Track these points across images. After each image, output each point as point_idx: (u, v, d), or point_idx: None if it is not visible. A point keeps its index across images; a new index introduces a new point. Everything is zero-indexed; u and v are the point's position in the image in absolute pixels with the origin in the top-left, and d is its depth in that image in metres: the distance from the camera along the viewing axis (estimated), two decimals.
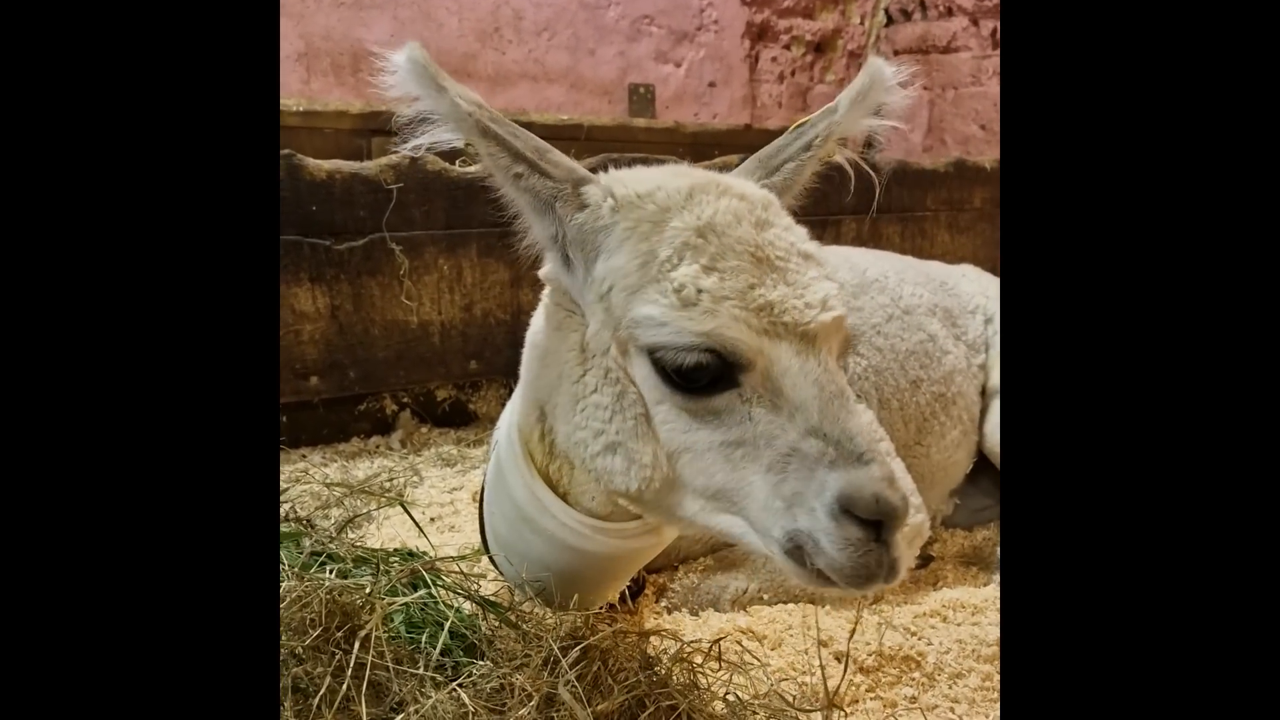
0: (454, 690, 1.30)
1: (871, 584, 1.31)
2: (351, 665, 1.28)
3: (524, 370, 1.73)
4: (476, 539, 2.23)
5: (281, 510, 1.84)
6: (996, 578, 2.57)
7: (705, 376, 1.36)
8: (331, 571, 1.54)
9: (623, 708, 1.35)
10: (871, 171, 1.82)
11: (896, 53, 7.09)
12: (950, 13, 6.91)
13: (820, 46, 7.14)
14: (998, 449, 2.92)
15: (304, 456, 3.45)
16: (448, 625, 1.44)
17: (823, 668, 1.68)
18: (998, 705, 1.75)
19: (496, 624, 1.53)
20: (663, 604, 2.19)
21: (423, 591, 1.53)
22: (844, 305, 1.44)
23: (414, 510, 2.58)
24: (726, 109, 6.60)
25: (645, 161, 1.89)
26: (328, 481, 2.86)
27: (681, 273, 1.36)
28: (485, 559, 2.01)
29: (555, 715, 1.29)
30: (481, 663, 1.40)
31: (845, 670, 1.73)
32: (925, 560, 2.76)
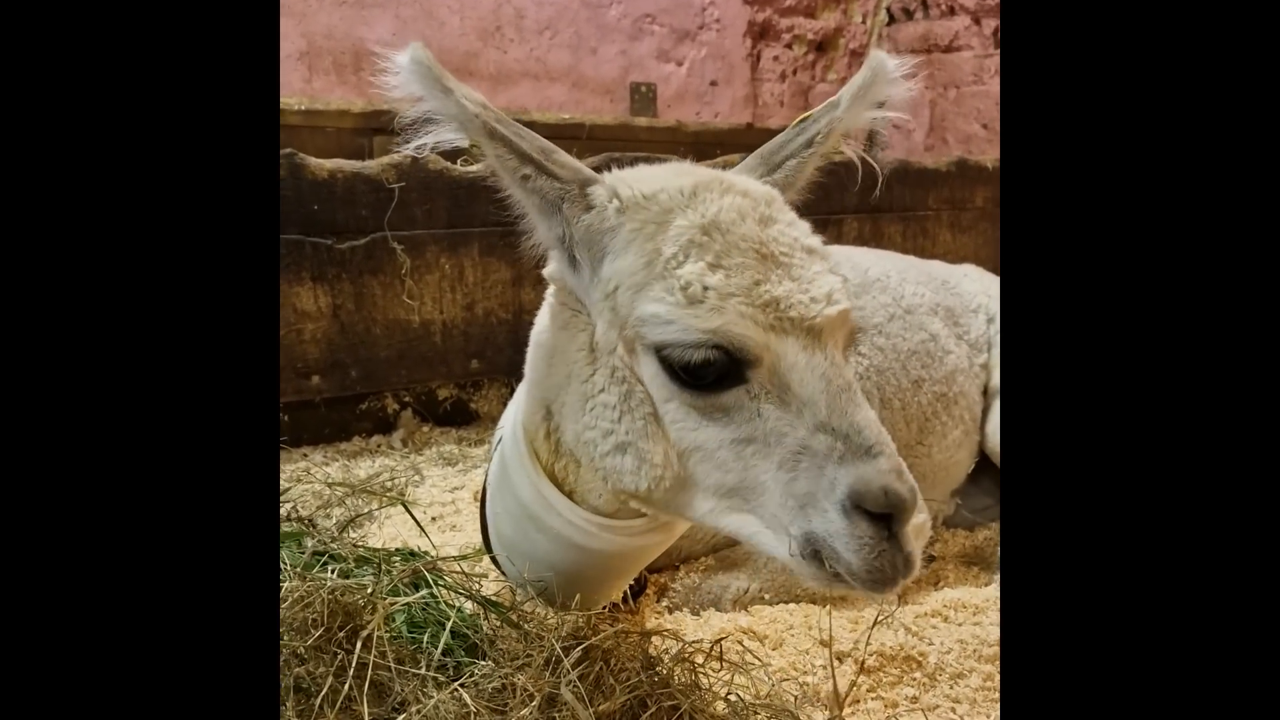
0: (456, 690, 1.30)
1: (890, 587, 1.31)
2: (353, 665, 1.28)
3: (529, 369, 1.72)
4: (478, 538, 2.23)
5: (283, 510, 1.84)
6: (998, 578, 2.57)
7: (712, 373, 1.36)
8: (333, 571, 1.54)
9: (624, 708, 1.35)
10: (875, 165, 1.81)
11: (898, 52, 7.08)
12: (952, 11, 6.91)
13: (822, 45, 7.14)
14: (999, 449, 2.91)
15: (305, 456, 3.45)
16: (449, 625, 1.44)
17: (833, 670, 1.68)
18: (999, 705, 1.75)
19: (498, 624, 1.52)
20: (664, 604, 2.19)
21: (424, 591, 1.53)
22: (849, 299, 1.44)
23: (415, 510, 2.58)
24: (728, 108, 6.60)
25: (648, 160, 1.88)
26: (329, 481, 2.86)
27: (687, 270, 1.36)
28: (487, 559, 2.01)
29: (557, 715, 1.29)
30: (483, 663, 1.39)
31: (858, 674, 1.73)
32: (927, 560, 2.76)
